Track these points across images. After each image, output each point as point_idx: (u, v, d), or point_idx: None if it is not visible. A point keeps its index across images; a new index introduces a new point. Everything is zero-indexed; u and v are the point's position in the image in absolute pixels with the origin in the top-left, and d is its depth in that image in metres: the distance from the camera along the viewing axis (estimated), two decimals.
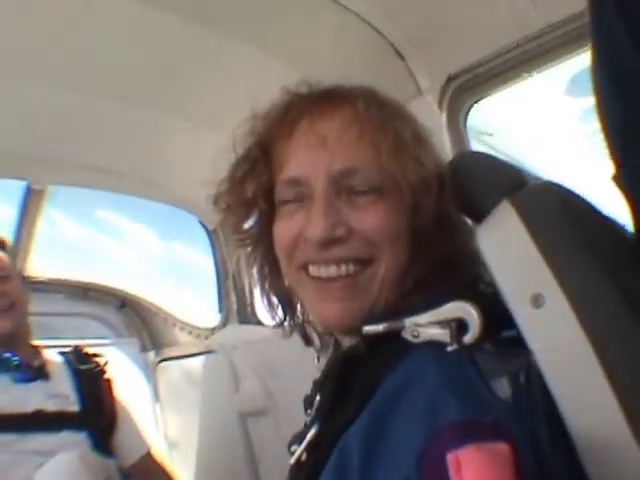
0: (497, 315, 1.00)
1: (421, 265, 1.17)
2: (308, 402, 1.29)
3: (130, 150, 2.91)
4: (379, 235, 1.13)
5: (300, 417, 1.29)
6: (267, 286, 1.42)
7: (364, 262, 1.15)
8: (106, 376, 2.91)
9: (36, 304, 2.89)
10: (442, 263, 1.17)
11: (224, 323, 3.73)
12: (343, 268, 1.15)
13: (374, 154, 1.15)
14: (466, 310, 1.01)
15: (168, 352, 3.83)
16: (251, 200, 1.29)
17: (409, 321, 1.06)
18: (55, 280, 3.60)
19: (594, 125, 0.94)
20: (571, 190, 1.09)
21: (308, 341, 1.40)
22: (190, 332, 3.82)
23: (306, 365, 1.37)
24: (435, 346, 1.02)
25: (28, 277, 3.13)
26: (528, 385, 0.95)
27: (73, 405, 2.69)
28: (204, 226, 3.66)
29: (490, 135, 2.84)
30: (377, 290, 1.15)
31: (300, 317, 1.40)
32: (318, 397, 1.24)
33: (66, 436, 2.57)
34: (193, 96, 2.55)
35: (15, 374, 2.62)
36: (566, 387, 0.90)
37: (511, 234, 1.00)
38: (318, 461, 1.05)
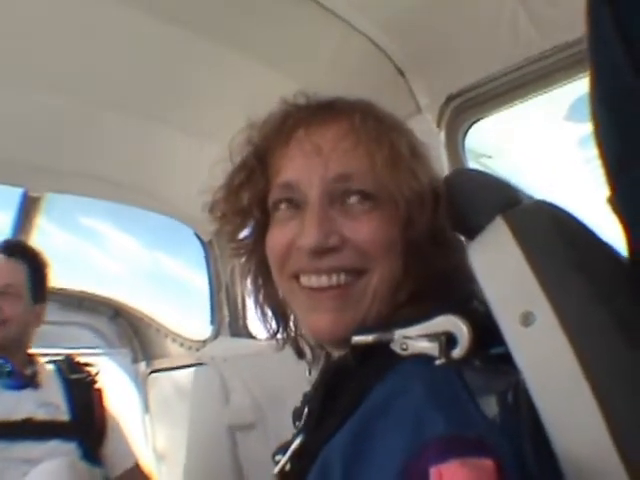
0: (487, 332, 1.00)
1: (414, 278, 1.17)
2: (297, 415, 1.28)
3: (128, 160, 2.91)
4: (372, 246, 1.13)
5: (289, 432, 1.28)
6: (261, 297, 1.41)
7: (356, 272, 1.15)
8: (97, 386, 2.91)
9: None
10: (436, 278, 1.17)
11: (215, 335, 3.73)
12: (334, 278, 1.14)
13: (369, 164, 1.15)
14: (456, 324, 1.01)
15: (159, 363, 3.82)
16: (247, 209, 1.29)
17: (398, 333, 1.06)
18: (50, 289, 3.60)
19: (593, 151, 0.94)
20: (565, 210, 1.09)
21: (301, 354, 1.39)
22: (181, 344, 3.81)
23: (296, 380, 1.36)
24: (424, 360, 1.02)
25: None
26: (516, 403, 0.94)
27: (63, 415, 2.69)
28: (199, 238, 3.67)
29: (489, 157, 2.84)
30: (369, 301, 1.15)
31: (293, 329, 1.39)
32: (307, 409, 1.24)
33: (55, 445, 2.57)
34: (192, 107, 2.56)
35: (6, 381, 2.62)
36: (553, 407, 0.90)
37: (504, 251, 1.00)
38: (302, 471, 1.04)
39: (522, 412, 0.93)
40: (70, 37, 2.06)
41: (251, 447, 3.16)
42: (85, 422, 2.75)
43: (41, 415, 2.60)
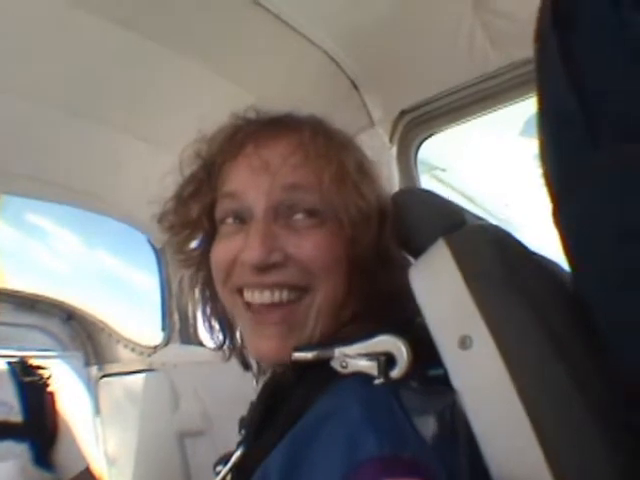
0: (427, 353, 1.00)
1: (359, 297, 1.18)
2: (243, 424, 1.29)
3: (82, 165, 2.87)
4: (315, 263, 1.14)
5: (236, 440, 1.29)
6: (208, 310, 1.42)
7: (300, 290, 1.15)
8: (49, 389, 2.89)
9: None
10: (380, 297, 1.18)
11: (166, 342, 3.72)
12: (277, 294, 1.14)
13: (316, 180, 1.16)
14: (395, 345, 1.01)
15: (110, 368, 3.79)
16: (195, 221, 1.30)
17: (339, 351, 1.06)
18: (4, 290, 3.57)
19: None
20: (508, 232, 1.11)
21: (246, 366, 1.40)
22: (133, 349, 3.79)
23: (245, 388, 1.37)
24: (362, 378, 1.02)
25: None
26: (452, 423, 0.95)
27: (17, 415, 2.66)
28: (151, 244, 3.65)
29: (443, 170, 2.87)
30: (313, 323, 1.16)
31: (239, 342, 1.40)
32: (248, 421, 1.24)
33: (7, 445, 2.53)
34: (149, 115, 2.53)
35: None
36: (488, 430, 0.91)
37: (443, 274, 1.00)
38: None
39: (459, 432, 0.93)
40: (31, 40, 2.04)
41: (200, 454, 3.17)
42: (38, 424, 2.71)
43: None
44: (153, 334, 3.78)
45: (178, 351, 3.58)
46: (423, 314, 1.01)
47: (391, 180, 2.33)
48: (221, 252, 1.22)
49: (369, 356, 1.03)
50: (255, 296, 1.16)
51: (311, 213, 1.16)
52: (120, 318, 3.90)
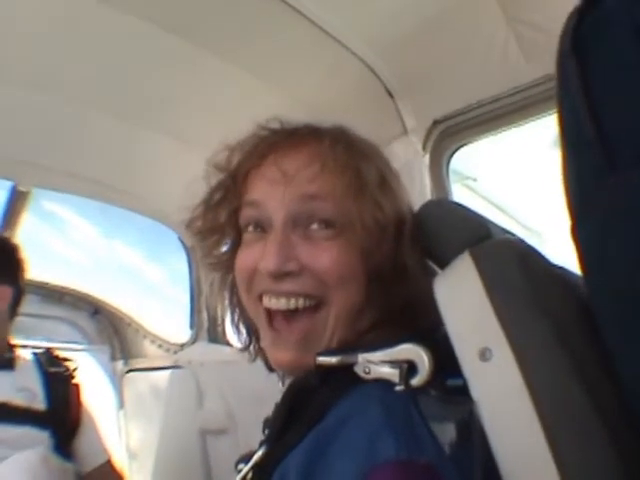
0: (448, 363, 1.01)
1: (376, 307, 1.19)
2: (267, 424, 1.30)
3: (118, 162, 2.91)
4: (330, 274, 1.15)
5: (259, 440, 1.30)
6: (236, 316, 1.44)
7: (315, 300, 1.17)
8: (74, 381, 2.91)
9: None
10: (401, 307, 1.19)
11: (194, 340, 3.74)
12: (292, 301, 1.16)
13: (332, 190, 1.17)
14: (418, 353, 1.02)
15: (136, 363, 3.81)
16: (222, 227, 1.32)
17: (362, 357, 1.08)
18: (32, 282, 3.60)
19: None
20: (533, 247, 1.11)
21: (271, 368, 1.41)
22: (160, 345, 3.81)
23: (270, 389, 1.37)
24: (383, 384, 1.04)
25: None
26: (470, 432, 0.96)
27: (40, 403, 2.68)
28: (182, 242, 3.69)
29: (474, 180, 2.87)
30: (330, 333, 1.17)
31: None
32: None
33: (30, 431, 2.56)
34: (184, 115, 2.56)
35: None
36: (504, 443, 0.91)
37: (467, 286, 1.01)
38: None
39: (475, 442, 0.94)
40: (70, 40, 2.07)
41: (221, 452, 3.18)
42: (60, 414, 2.73)
43: (18, 400, 2.60)
44: (179, 331, 3.81)
45: (205, 349, 3.61)
46: (445, 324, 1.02)
47: (423, 188, 2.35)
48: (243, 260, 1.25)
49: (392, 363, 1.04)
50: (272, 302, 1.19)
51: (327, 223, 1.17)
52: (148, 314, 3.92)
